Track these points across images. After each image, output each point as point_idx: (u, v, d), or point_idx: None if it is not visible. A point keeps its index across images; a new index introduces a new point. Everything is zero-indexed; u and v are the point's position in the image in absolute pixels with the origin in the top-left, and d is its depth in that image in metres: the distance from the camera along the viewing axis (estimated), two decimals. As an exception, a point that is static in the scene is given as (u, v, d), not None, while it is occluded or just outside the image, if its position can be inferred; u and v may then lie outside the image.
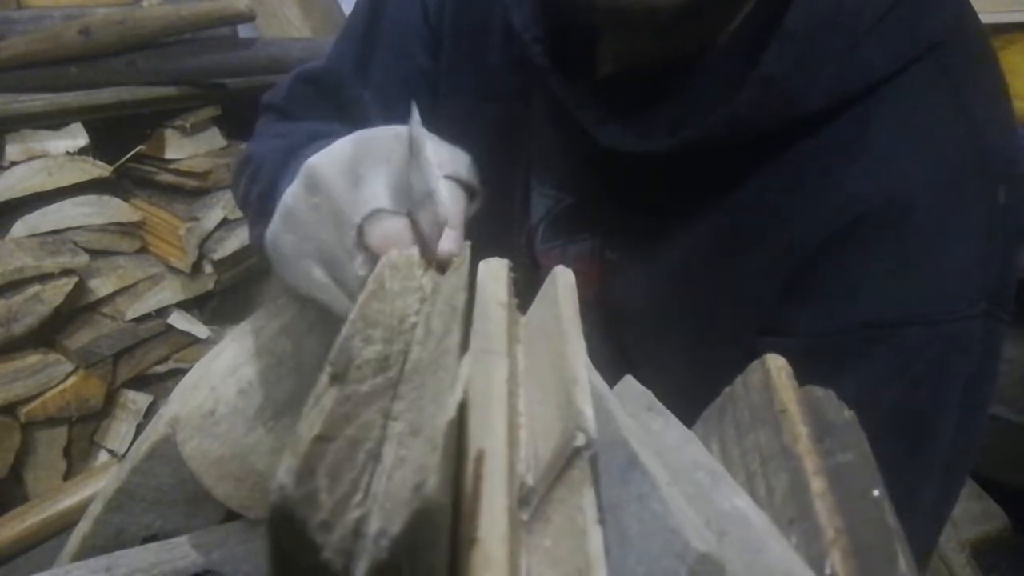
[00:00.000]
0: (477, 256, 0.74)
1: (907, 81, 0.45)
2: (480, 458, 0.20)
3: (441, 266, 0.37)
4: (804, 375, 0.48)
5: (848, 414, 0.26)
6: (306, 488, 0.16)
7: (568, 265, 0.59)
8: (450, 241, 0.38)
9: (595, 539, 0.18)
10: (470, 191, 0.45)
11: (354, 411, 0.19)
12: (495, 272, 0.31)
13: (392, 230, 0.39)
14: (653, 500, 0.20)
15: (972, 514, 1.30)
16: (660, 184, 0.51)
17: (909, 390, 0.46)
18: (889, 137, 0.45)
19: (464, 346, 0.23)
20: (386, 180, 0.40)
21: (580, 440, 0.19)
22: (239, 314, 1.46)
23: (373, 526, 0.16)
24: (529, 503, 0.21)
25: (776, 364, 0.28)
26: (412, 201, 0.40)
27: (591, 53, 0.54)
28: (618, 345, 0.59)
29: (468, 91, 0.62)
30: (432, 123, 0.65)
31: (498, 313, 0.27)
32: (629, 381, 0.29)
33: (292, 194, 0.43)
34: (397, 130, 0.43)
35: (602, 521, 0.20)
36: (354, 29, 0.66)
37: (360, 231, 0.39)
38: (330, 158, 0.42)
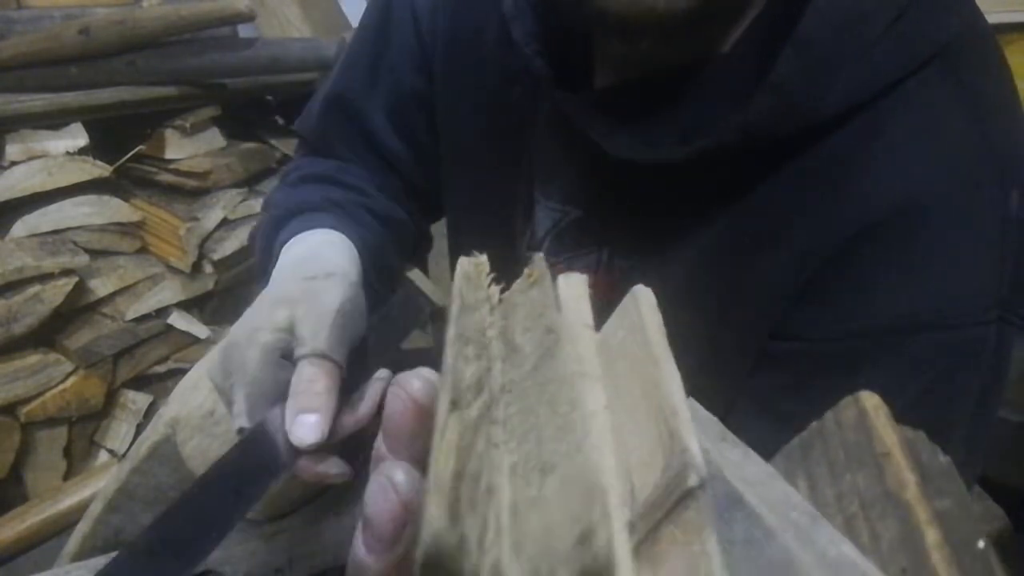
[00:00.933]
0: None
1: (919, 86, 0.44)
2: (604, 499, 0.18)
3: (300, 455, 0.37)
4: (816, 380, 0.48)
5: (944, 459, 0.25)
6: (458, 531, 0.15)
7: None
8: (305, 427, 0.37)
9: None
10: (333, 363, 0.41)
11: (471, 440, 0.18)
12: (576, 290, 0.29)
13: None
14: (765, 544, 0.19)
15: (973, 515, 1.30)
16: (669, 192, 0.51)
17: (921, 395, 0.45)
18: (901, 142, 0.45)
19: (580, 374, 0.22)
20: (244, 394, 0.39)
21: (692, 480, 0.18)
22: (239, 314, 1.45)
23: (512, 570, 0.15)
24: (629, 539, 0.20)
25: (872, 403, 0.26)
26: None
27: (589, 65, 0.54)
28: None
29: (466, 107, 0.62)
30: (430, 143, 0.66)
31: (586, 335, 0.25)
32: (694, 405, 0.28)
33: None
34: (249, 324, 0.42)
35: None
36: (363, 49, 0.66)
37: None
38: (209, 364, 0.44)
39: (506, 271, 0.68)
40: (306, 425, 0.37)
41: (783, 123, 0.44)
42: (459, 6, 0.61)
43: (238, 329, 0.42)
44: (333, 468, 0.39)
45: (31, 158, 1.19)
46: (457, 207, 0.70)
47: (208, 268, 1.39)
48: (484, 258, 0.30)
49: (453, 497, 0.15)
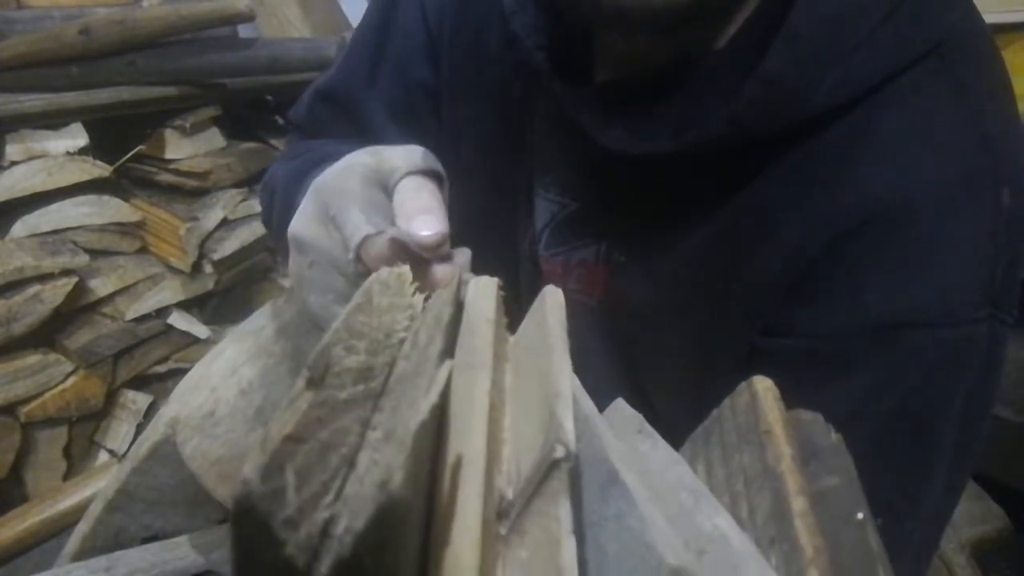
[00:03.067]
0: (480, 262, 0.74)
1: (912, 81, 0.44)
2: (457, 464, 0.20)
3: (429, 262, 0.38)
4: (807, 377, 0.48)
5: (835, 437, 0.26)
6: (272, 484, 0.16)
7: (572, 270, 0.60)
8: (426, 226, 0.38)
9: (568, 549, 0.18)
10: (436, 177, 0.45)
11: (329, 416, 0.19)
12: (485, 289, 0.31)
13: (381, 248, 0.39)
14: (631, 517, 0.20)
15: (972, 514, 1.30)
16: (665, 186, 0.51)
17: (912, 393, 0.45)
18: (893, 138, 0.45)
19: (446, 355, 0.23)
20: (358, 208, 0.40)
21: (559, 452, 0.19)
22: (239, 314, 1.46)
23: (340, 525, 0.16)
24: (508, 516, 0.21)
25: (763, 386, 0.28)
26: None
27: (590, 59, 0.54)
28: (624, 348, 0.59)
29: (469, 98, 0.63)
30: (436, 133, 0.66)
31: (484, 328, 0.27)
32: (620, 404, 0.30)
33: (292, 263, 0.45)
34: (341, 165, 0.44)
35: (578, 533, 0.19)
36: (364, 42, 0.66)
37: (358, 260, 0.40)
38: (302, 218, 0.43)
39: (508, 266, 0.68)
40: (426, 221, 0.38)
41: (773, 116, 0.44)
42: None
43: (322, 179, 0.43)
44: (461, 256, 0.40)
45: (31, 158, 1.19)
46: (458, 202, 0.70)
47: (208, 268, 1.39)
48: (407, 270, 0.32)
49: (278, 454, 0.16)
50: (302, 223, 0.43)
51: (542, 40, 0.52)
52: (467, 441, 0.21)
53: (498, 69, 0.59)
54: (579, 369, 0.69)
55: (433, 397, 0.19)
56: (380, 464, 0.17)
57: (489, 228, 0.64)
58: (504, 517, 0.21)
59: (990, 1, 1.25)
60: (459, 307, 0.30)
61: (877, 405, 0.46)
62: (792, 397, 0.48)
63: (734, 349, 0.51)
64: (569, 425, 0.20)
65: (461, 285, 0.32)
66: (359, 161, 0.43)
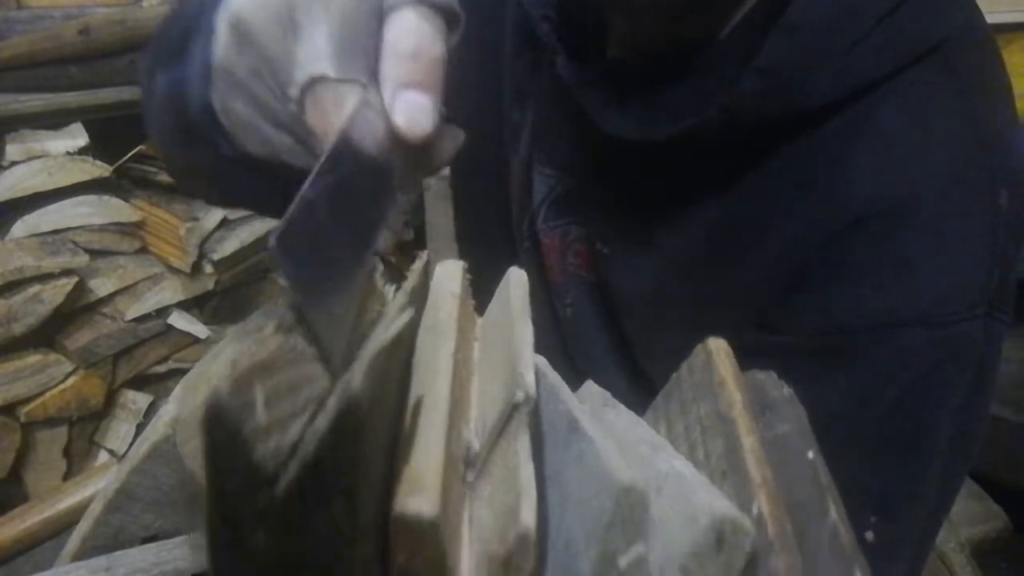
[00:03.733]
0: (481, 236, 0.73)
1: (912, 79, 0.45)
2: (418, 405, 0.21)
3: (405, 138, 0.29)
4: (803, 373, 0.48)
5: (787, 391, 0.27)
6: (242, 397, 0.16)
7: (570, 244, 0.60)
8: (413, 111, 0.29)
9: (525, 472, 0.19)
10: (449, 16, 0.33)
11: (298, 360, 0.20)
12: (450, 272, 0.31)
13: (337, 104, 0.29)
14: (588, 455, 0.20)
15: (972, 514, 1.30)
16: (659, 174, 0.51)
17: (908, 391, 0.46)
18: (891, 135, 0.45)
19: (408, 308, 0.24)
20: (328, 31, 0.30)
21: (519, 396, 0.21)
22: (239, 314, 1.46)
23: (303, 452, 0.16)
24: (475, 465, 0.22)
25: (717, 345, 0.29)
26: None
27: (602, 37, 0.54)
28: (620, 326, 0.59)
29: (477, 68, 0.62)
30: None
31: (449, 302, 0.28)
32: (589, 384, 0.30)
33: (221, 49, 0.33)
34: None
35: (541, 481, 0.20)
36: None
37: (300, 105, 0.31)
38: (260, 3, 0.32)
39: (505, 239, 0.68)
40: (415, 106, 0.29)
41: (768, 108, 0.44)
42: None
43: None
44: (451, 141, 0.31)
45: (31, 158, 1.19)
46: (459, 174, 0.70)
47: (208, 268, 1.39)
48: (380, 269, 0.29)
49: (248, 374, 0.17)
50: (253, 8, 0.31)
51: (549, 12, 0.51)
52: (430, 387, 0.22)
53: (510, 41, 0.59)
54: (581, 348, 0.68)
55: (395, 327, 0.20)
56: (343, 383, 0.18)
57: (489, 204, 0.63)
58: (471, 465, 0.22)
59: (990, 1, 1.25)
60: (426, 283, 0.30)
61: (873, 402, 0.46)
62: None
63: (729, 340, 0.51)
64: (529, 375, 0.22)
65: (429, 266, 0.32)
66: None
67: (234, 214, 1.40)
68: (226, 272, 1.42)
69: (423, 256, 0.30)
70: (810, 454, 0.24)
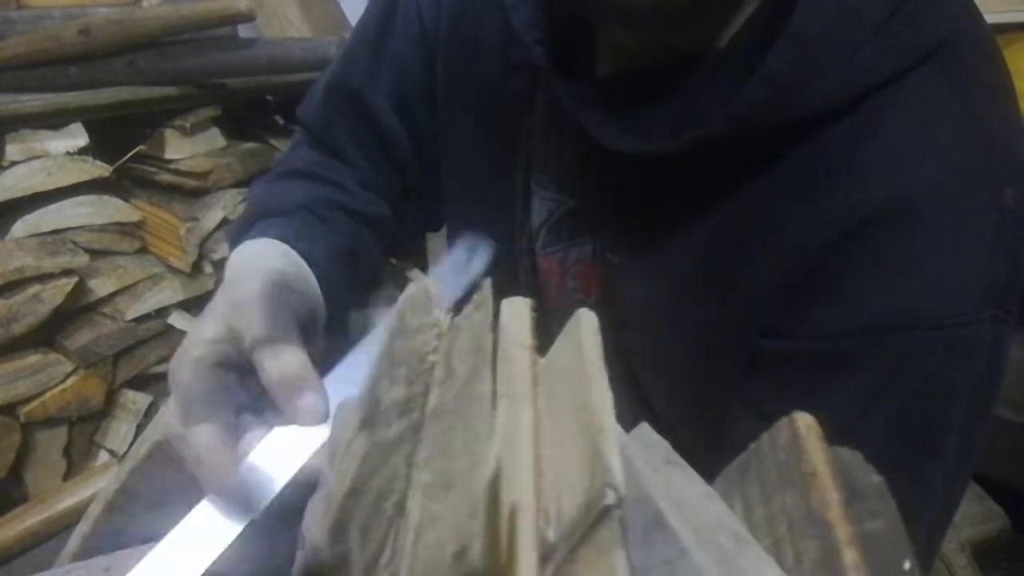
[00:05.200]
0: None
1: (914, 82, 0.44)
2: (514, 515, 0.19)
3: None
4: (809, 379, 0.48)
5: (876, 479, 0.25)
6: (339, 548, 0.15)
7: (569, 268, 0.60)
8: (307, 410, 0.36)
9: None
10: (301, 325, 0.42)
11: (382, 459, 0.18)
12: (518, 312, 0.29)
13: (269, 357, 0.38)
14: (681, 565, 0.19)
15: (972, 514, 1.30)
16: (662, 186, 0.51)
17: (914, 394, 0.45)
18: (895, 139, 0.45)
19: (494, 392, 0.22)
20: (174, 403, 0.39)
21: (610, 499, 0.18)
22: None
23: None
24: (551, 560, 0.19)
25: (805, 423, 0.26)
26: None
27: (590, 55, 0.54)
28: (622, 349, 0.59)
29: (466, 96, 0.62)
30: (432, 133, 0.66)
31: (521, 356, 0.25)
32: (645, 429, 0.28)
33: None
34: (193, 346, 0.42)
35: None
36: (364, 39, 0.66)
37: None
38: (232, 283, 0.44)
39: (505, 266, 0.68)
40: (307, 406, 0.36)
41: (772, 116, 0.44)
42: None
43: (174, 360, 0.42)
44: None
45: (31, 158, 1.19)
46: (456, 200, 0.70)
47: (208, 268, 1.39)
48: (432, 282, 0.30)
49: (342, 514, 0.16)
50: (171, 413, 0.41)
51: (540, 35, 0.51)
52: (518, 486, 0.19)
53: (496, 65, 0.59)
54: None
55: (497, 447, 0.18)
56: (443, 521, 0.16)
57: (485, 226, 0.63)
58: (548, 561, 0.19)
59: (990, 1, 1.25)
60: (491, 332, 0.28)
61: (879, 407, 0.46)
62: (795, 399, 0.48)
63: (734, 352, 0.51)
64: (617, 465, 0.19)
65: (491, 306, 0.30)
66: (198, 340, 0.40)
67: (234, 214, 1.40)
68: (226, 272, 1.42)
69: (481, 290, 0.29)
70: (907, 564, 0.22)
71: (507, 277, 0.64)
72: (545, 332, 0.63)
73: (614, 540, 0.18)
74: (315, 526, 0.15)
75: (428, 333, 0.26)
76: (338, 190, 0.62)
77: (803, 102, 0.44)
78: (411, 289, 0.28)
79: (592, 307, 0.60)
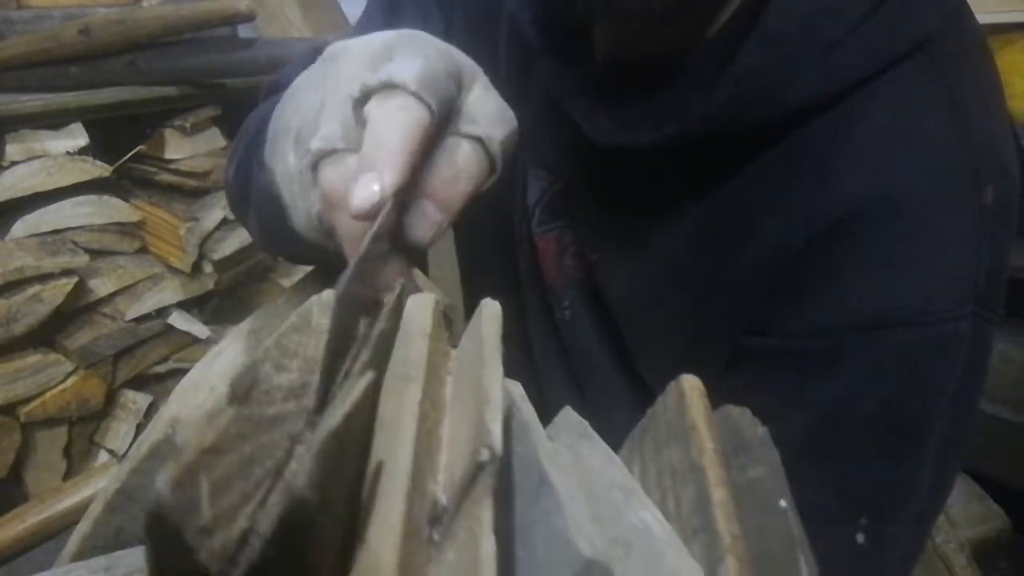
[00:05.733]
0: (478, 238, 0.73)
1: (897, 78, 0.44)
2: (377, 470, 0.20)
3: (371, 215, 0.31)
4: (791, 376, 0.48)
5: (761, 430, 0.27)
6: (185, 496, 0.16)
7: (567, 246, 0.60)
8: (362, 190, 0.31)
9: (486, 548, 0.19)
10: (435, 99, 0.34)
11: (253, 431, 0.19)
12: (422, 305, 0.30)
13: (339, 176, 0.33)
14: (556, 516, 0.20)
15: (973, 515, 1.30)
16: (645, 177, 0.51)
17: (896, 392, 0.45)
18: (876, 135, 0.45)
19: (370, 367, 0.23)
20: (340, 115, 0.34)
21: (484, 455, 0.20)
22: (239, 314, 1.46)
23: (255, 541, 0.16)
24: (441, 522, 0.21)
25: (690, 384, 0.28)
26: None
27: (589, 40, 0.54)
28: (617, 333, 0.59)
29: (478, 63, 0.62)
30: None
31: (419, 342, 0.27)
32: (567, 412, 0.30)
33: (306, 73, 0.38)
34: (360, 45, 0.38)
35: (510, 534, 0.20)
36: (376, 13, 0.65)
37: (315, 166, 0.34)
38: (362, 40, 0.37)
39: (508, 246, 0.68)
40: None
41: (745, 114, 0.44)
42: None
43: (414, 32, 0.37)
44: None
45: (31, 158, 1.19)
46: None
47: (208, 268, 1.39)
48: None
49: (193, 466, 0.17)
50: (354, 41, 0.37)
51: (534, 15, 0.51)
52: (392, 448, 0.21)
53: (504, 44, 0.59)
54: (579, 350, 0.68)
55: (347, 405, 0.19)
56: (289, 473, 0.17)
57: (488, 208, 0.63)
58: (438, 523, 0.21)
59: (991, 1, 1.25)
60: (396, 321, 0.29)
61: (860, 404, 0.46)
62: (776, 396, 0.48)
63: (718, 341, 0.51)
64: (496, 428, 0.21)
65: (401, 299, 0.31)
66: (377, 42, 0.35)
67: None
68: (226, 272, 1.42)
69: (395, 288, 0.30)
70: (782, 503, 0.23)
71: (508, 254, 0.64)
72: (548, 314, 0.63)
73: (485, 491, 0.20)
74: (160, 476, 0.16)
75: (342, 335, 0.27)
76: None
77: (777, 100, 0.44)
78: (325, 295, 0.29)
79: (590, 288, 0.60)
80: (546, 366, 0.65)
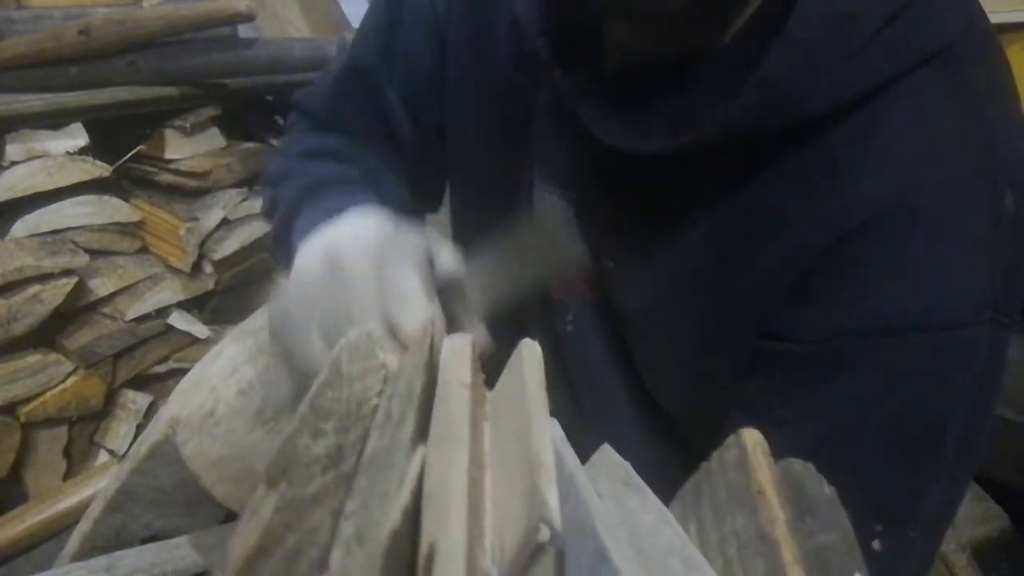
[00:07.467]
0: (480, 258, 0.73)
1: (916, 84, 0.44)
2: (430, 557, 0.19)
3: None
4: (809, 381, 0.48)
5: (828, 490, 0.25)
6: None
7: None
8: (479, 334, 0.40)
9: None
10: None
11: (296, 518, 0.18)
12: (458, 349, 0.29)
13: (428, 316, 0.37)
14: None
15: (973, 515, 1.30)
16: (662, 186, 0.51)
17: (913, 398, 0.45)
18: (896, 141, 0.44)
19: (419, 437, 0.22)
20: (414, 271, 0.40)
21: (544, 535, 0.18)
22: (239, 314, 1.46)
23: None
24: None
25: (752, 439, 0.26)
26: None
27: (596, 49, 0.54)
28: (624, 346, 0.59)
29: (474, 88, 0.62)
30: (439, 124, 0.65)
31: (460, 395, 0.25)
32: (606, 451, 0.28)
33: (308, 266, 0.43)
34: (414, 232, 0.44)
35: None
36: (376, 29, 0.65)
37: (390, 319, 0.38)
38: (354, 242, 0.42)
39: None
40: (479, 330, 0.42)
41: (769, 120, 0.44)
42: None
43: (391, 228, 0.44)
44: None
45: (31, 158, 1.19)
46: (462, 194, 0.70)
47: (208, 268, 1.39)
48: (376, 328, 0.30)
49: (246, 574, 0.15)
50: (349, 243, 0.42)
51: (546, 27, 0.51)
52: (444, 528, 0.19)
53: (504, 60, 0.59)
54: (581, 365, 0.68)
55: (404, 498, 0.18)
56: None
57: (488, 218, 0.63)
58: None
59: (992, 1, 1.25)
60: (432, 373, 0.28)
61: (879, 409, 0.46)
62: (793, 402, 0.48)
63: (733, 352, 0.51)
64: (554, 501, 0.19)
65: (434, 347, 0.30)
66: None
67: (234, 214, 1.40)
68: (226, 272, 1.42)
69: (427, 330, 0.29)
70: (857, 575, 0.22)
71: None
72: (549, 328, 0.63)
73: (548, 574, 0.18)
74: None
75: (371, 378, 0.25)
76: (365, 169, 0.62)
77: (799, 106, 0.44)
78: (352, 335, 0.28)
79: (594, 304, 0.60)
80: (547, 383, 0.64)
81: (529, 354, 0.26)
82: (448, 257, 0.44)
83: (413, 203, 0.69)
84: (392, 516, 0.17)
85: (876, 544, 0.45)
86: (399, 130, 0.66)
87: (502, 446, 0.24)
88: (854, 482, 0.47)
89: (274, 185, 0.63)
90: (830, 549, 0.23)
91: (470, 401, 0.25)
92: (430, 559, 0.18)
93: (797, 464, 0.26)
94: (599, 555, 0.20)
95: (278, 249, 0.58)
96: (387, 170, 0.64)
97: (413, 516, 0.20)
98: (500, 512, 0.22)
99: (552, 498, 0.19)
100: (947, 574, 1.19)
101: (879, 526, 0.45)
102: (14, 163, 1.18)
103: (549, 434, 0.22)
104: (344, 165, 0.62)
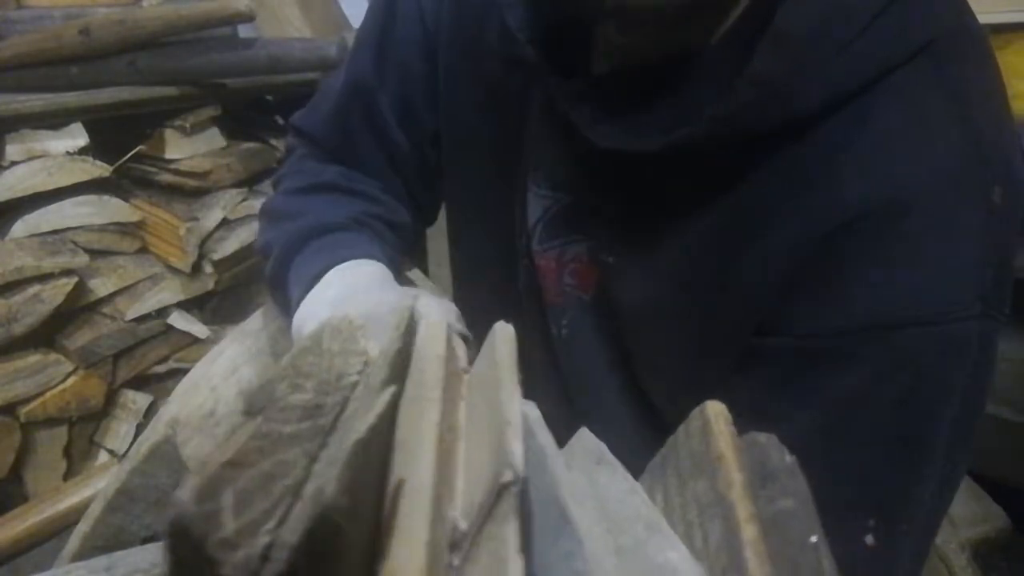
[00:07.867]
0: (478, 260, 0.74)
1: (903, 80, 0.44)
2: (399, 488, 0.20)
3: None
4: (800, 376, 0.48)
5: (789, 459, 0.26)
6: (207, 506, 0.16)
7: (566, 265, 0.60)
8: None
9: (513, 569, 0.18)
10: (463, 339, 0.45)
11: (271, 448, 0.19)
12: (434, 330, 0.31)
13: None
14: (577, 558, 0.20)
15: (973, 514, 1.30)
16: (656, 185, 0.51)
17: (905, 392, 0.45)
18: (885, 137, 0.45)
19: (389, 383, 0.23)
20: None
21: (507, 476, 0.20)
22: (239, 314, 1.46)
23: (280, 553, 0.16)
24: (461, 547, 0.21)
25: (715, 410, 0.27)
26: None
27: (586, 53, 0.54)
28: (619, 345, 0.59)
29: (466, 96, 0.62)
30: (433, 132, 0.66)
31: (434, 364, 0.27)
32: (583, 434, 0.30)
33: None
34: (394, 301, 0.45)
35: (524, 551, 0.19)
36: (367, 43, 0.66)
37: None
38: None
39: (506, 263, 0.69)
40: None
41: (761, 117, 0.44)
42: None
43: (371, 309, 0.45)
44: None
45: (31, 158, 1.19)
46: (457, 200, 0.70)
47: (208, 268, 1.39)
48: (358, 318, 0.31)
49: (215, 479, 0.17)
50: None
51: (536, 33, 0.51)
52: (413, 468, 0.21)
53: (495, 64, 0.59)
54: (575, 368, 0.68)
55: (371, 417, 0.19)
56: (316, 483, 0.17)
57: (485, 224, 0.63)
58: (457, 548, 0.21)
59: (990, 1, 1.25)
60: (409, 344, 0.30)
61: (870, 404, 0.46)
62: (786, 397, 0.48)
63: (729, 348, 0.51)
64: (518, 449, 0.20)
65: (412, 325, 0.32)
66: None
67: (234, 214, 1.40)
68: (226, 272, 1.42)
69: (404, 313, 0.31)
70: (813, 538, 0.23)
71: (508, 275, 0.64)
72: (541, 326, 0.63)
73: (510, 512, 0.19)
74: (183, 486, 0.16)
75: (352, 359, 0.27)
76: (372, 202, 0.63)
77: (790, 102, 0.44)
78: (334, 319, 0.29)
79: (589, 304, 0.60)
80: (537, 384, 0.64)
81: (502, 333, 0.28)
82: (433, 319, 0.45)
83: (412, 223, 0.69)
84: (358, 429, 0.19)
85: (868, 539, 0.46)
86: (397, 151, 0.66)
87: (475, 419, 0.26)
88: (847, 475, 0.47)
89: (271, 223, 0.64)
90: (789, 514, 0.24)
91: (444, 369, 0.26)
92: (398, 490, 0.20)
93: (761, 436, 0.27)
94: (561, 518, 0.21)
95: (275, 292, 0.60)
96: (383, 201, 0.64)
97: (384, 448, 0.22)
98: (471, 474, 0.23)
99: (516, 447, 0.21)
100: (947, 574, 1.19)
101: (871, 520, 0.46)
102: (14, 163, 1.18)
103: (518, 398, 0.23)
104: (341, 201, 0.63)
